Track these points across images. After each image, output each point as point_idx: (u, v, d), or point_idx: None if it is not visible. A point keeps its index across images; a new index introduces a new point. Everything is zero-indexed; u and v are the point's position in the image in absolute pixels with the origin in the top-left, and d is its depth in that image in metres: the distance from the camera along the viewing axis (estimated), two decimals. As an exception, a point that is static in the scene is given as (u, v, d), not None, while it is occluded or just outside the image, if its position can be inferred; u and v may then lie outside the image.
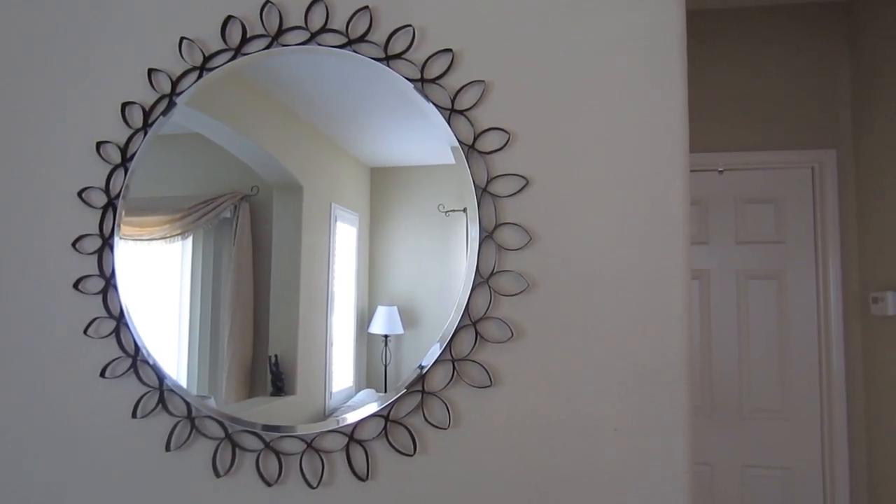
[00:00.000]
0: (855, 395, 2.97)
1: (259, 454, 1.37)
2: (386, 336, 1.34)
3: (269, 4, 1.43)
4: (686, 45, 1.29)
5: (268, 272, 1.40)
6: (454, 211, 1.31)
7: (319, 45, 1.40)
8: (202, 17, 1.48)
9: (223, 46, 1.45)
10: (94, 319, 1.47)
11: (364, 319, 1.35)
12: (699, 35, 3.12)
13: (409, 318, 1.33)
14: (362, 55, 1.37)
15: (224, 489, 1.39)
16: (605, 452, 1.24)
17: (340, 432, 1.34)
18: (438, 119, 1.32)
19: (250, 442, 1.38)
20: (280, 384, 1.38)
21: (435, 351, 1.29)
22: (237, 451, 1.38)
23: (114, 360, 1.45)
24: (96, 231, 1.48)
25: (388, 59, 1.36)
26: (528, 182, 1.30)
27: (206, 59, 1.45)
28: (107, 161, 1.49)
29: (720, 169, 3.15)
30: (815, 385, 3.04)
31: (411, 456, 1.31)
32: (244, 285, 1.40)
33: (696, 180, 3.14)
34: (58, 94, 1.55)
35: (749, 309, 3.14)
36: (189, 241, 1.44)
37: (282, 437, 1.36)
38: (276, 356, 1.38)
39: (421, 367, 1.30)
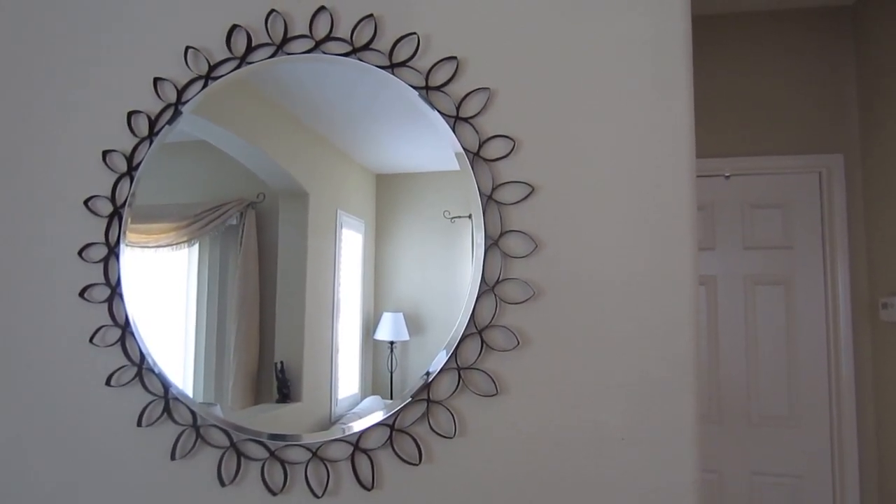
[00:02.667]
0: (865, 401, 2.95)
1: (264, 463, 1.36)
2: (392, 343, 1.34)
3: (275, 13, 1.43)
4: (692, 49, 1.28)
5: (274, 279, 1.39)
6: (459, 217, 1.30)
7: (324, 53, 1.40)
8: (207, 26, 1.48)
9: (228, 55, 1.45)
10: (100, 328, 1.47)
11: (370, 326, 1.34)
12: (705, 40, 3.11)
13: (414, 324, 1.32)
14: (367, 63, 1.37)
15: (229, 498, 1.38)
16: (612, 461, 1.23)
17: (346, 441, 1.33)
18: (443, 126, 1.32)
19: (255, 451, 1.38)
20: (286, 391, 1.37)
21: (440, 359, 1.28)
22: (242, 459, 1.38)
23: (119, 369, 1.45)
24: (102, 240, 1.48)
25: (392, 67, 1.36)
26: (533, 189, 1.30)
27: (212, 67, 1.46)
28: (113, 170, 1.50)
29: (727, 174, 3.14)
30: (825, 392, 3.02)
31: (417, 465, 1.30)
32: (250, 292, 1.40)
33: (702, 185, 3.13)
34: (64, 104, 1.55)
35: (757, 315, 3.12)
36: (195, 248, 1.45)
37: (287, 445, 1.35)
38: (281, 363, 1.38)
39: (426, 375, 1.29)
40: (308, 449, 1.34)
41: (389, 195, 1.35)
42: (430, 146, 1.33)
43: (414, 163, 1.36)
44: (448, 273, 1.31)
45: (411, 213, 1.34)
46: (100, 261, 1.48)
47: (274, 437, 1.35)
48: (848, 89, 3.09)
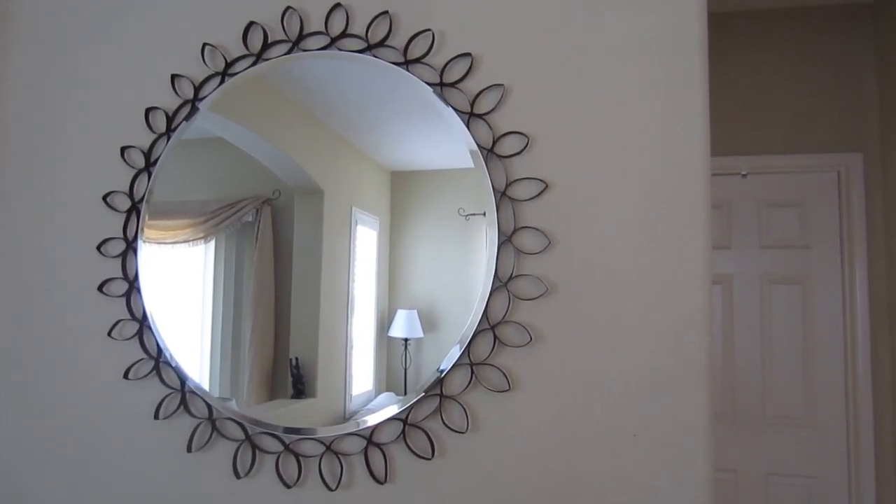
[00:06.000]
0: (882, 402, 2.91)
1: (279, 456, 1.38)
2: (406, 339, 1.34)
3: (290, 10, 1.44)
4: (707, 47, 1.27)
5: (289, 275, 1.40)
6: (474, 215, 1.31)
7: (340, 49, 1.41)
8: (224, 23, 1.49)
9: (245, 52, 1.46)
10: (118, 321, 1.49)
11: (384, 323, 1.35)
12: (723, 37, 3.09)
13: (428, 321, 1.33)
14: (382, 60, 1.37)
15: (244, 490, 1.40)
16: (624, 459, 1.23)
17: (359, 435, 1.34)
18: (458, 123, 1.32)
19: (270, 444, 1.39)
20: (301, 387, 1.38)
21: (453, 355, 1.29)
22: (257, 452, 1.39)
23: (137, 362, 1.47)
24: (120, 235, 1.50)
25: (407, 64, 1.36)
26: (547, 186, 1.30)
27: (228, 64, 1.47)
28: (131, 166, 1.52)
29: (744, 173, 3.11)
30: (841, 392, 2.99)
31: (429, 460, 1.30)
32: (266, 288, 1.41)
33: (719, 184, 3.10)
34: (83, 101, 1.58)
35: (773, 314, 3.09)
36: (212, 244, 1.46)
37: (301, 439, 1.36)
38: (296, 359, 1.39)
39: (440, 371, 1.29)
40: (322, 442, 1.35)
41: (404, 192, 1.36)
42: (445, 143, 1.33)
43: (429, 160, 1.36)
44: (462, 271, 1.31)
45: (426, 210, 1.34)
46: (118, 255, 1.50)
47: (288, 430, 1.36)
48: (867, 87, 3.06)
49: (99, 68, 1.57)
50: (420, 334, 1.33)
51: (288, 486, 1.37)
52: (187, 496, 1.43)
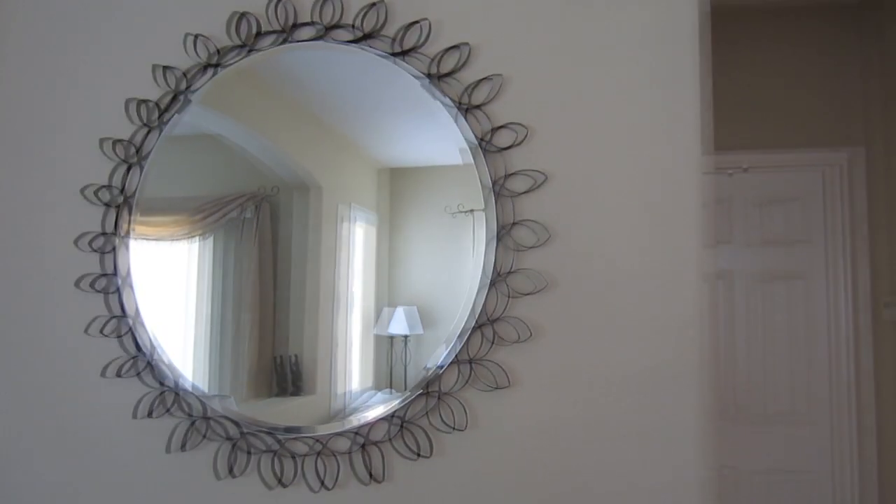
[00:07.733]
0: (883, 398, 2.90)
1: (274, 454, 1.36)
2: (405, 336, 1.33)
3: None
4: (703, 41, 1.26)
5: (286, 273, 1.40)
6: (471, 211, 1.29)
7: (332, 40, 1.38)
8: (214, 13, 1.46)
9: (234, 42, 1.44)
10: (111, 318, 1.46)
11: (383, 320, 1.34)
12: (723, 33, 3.07)
13: (427, 318, 1.32)
14: (375, 50, 1.35)
15: (239, 488, 1.38)
16: (623, 455, 1.22)
17: (354, 433, 1.32)
18: (453, 115, 1.30)
19: (265, 442, 1.37)
20: (298, 384, 1.38)
21: (450, 351, 1.27)
22: (252, 450, 1.37)
23: (130, 359, 1.45)
24: (110, 230, 1.48)
25: (402, 54, 1.34)
26: (545, 178, 1.28)
27: (220, 55, 1.44)
28: (122, 159, 1.48)
29: (744, 167, 3.10)
30: (842, 388, 2.98)
31: (427, 458, 1.29)
32: (262, 286, 1.40)
33: (720, 179, 3.09)
34: (71, 94, 1.55)
35: (773, 310, 3.08)
36: (209, 241, 1.44)
37: (295, 437, 1.35)
38: (295, 356, 1.38)
39: (438, 368, 1.28)
40: (317, 440, 1.34)
41: (403, 189, 1.35)
42: (441, 139, 1.31)
43: (426, 156, 1.35)
44: (459, 267, 1.30)
45: (423, 207, 1.34)
46: (110, 251, 1.47)
47: (283, 428, 1.34)
48: (870, 82, 3.04)
49: (88, 61, 1.55)
50: (420, 331, 1.33)
51: (284, 485, 1.35)
52: (180, 494, 1.42)
